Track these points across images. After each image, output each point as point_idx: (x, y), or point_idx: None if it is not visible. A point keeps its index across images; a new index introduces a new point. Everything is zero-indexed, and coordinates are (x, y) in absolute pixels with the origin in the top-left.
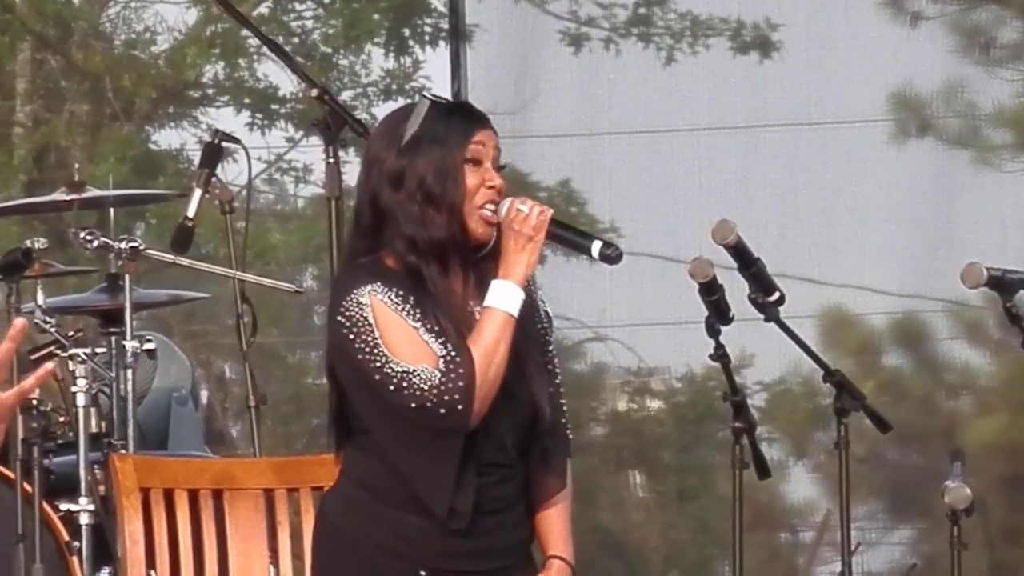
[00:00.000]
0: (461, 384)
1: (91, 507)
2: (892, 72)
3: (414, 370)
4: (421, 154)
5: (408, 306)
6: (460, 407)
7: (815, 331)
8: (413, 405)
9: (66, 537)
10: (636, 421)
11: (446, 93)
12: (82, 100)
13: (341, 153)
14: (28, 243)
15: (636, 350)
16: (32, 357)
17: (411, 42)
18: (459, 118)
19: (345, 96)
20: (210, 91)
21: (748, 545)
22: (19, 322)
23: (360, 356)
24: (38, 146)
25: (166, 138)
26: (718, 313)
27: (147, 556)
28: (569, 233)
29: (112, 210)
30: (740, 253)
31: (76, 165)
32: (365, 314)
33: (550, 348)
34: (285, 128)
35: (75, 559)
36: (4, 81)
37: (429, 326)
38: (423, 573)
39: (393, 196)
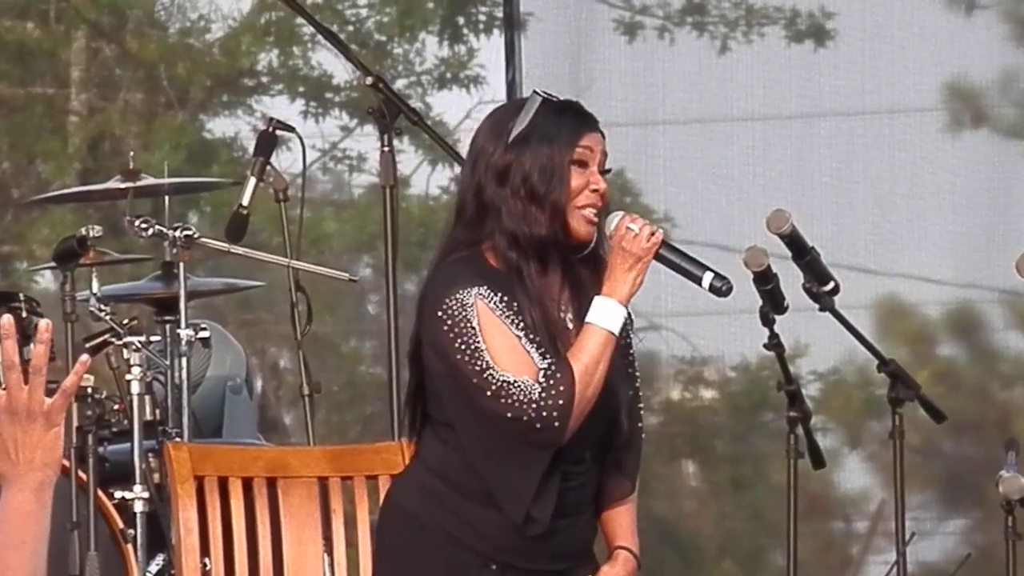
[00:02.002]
0: (561, 402)
1: (145, 495)
2: (947, 61)
3: (514, 381)
4: (528, 151)
5: (511, 313)
6: (556, 424)
7: (870, 321)
8: (509, 415)
9: (120, 525)
10: (690, 410)
11: (500, 82)
12: (136, 88)
13: (395, 142)
14: (83, 231)
15: (690, 339)
16: (87, 345)
17: (465, 30)
18: (570, 118)
19: (399, 84)
20: (264, 79)
21: (802, 534)
22: (84, 358)
23: (458, 356)
24: (92, 134)
25: (220, 126)
26: (772, 302)
27: (201, 544)
28: (679, 258)
29: (167, 198)
30: (795, 242)
31: (131, 153)
32: (468, 316)
33: (631, 351)
34: (339, 116)
35: (129, 547)
36: (59, 70)
37: (531, 336)
38: (493, 567)
39: (497, 191)
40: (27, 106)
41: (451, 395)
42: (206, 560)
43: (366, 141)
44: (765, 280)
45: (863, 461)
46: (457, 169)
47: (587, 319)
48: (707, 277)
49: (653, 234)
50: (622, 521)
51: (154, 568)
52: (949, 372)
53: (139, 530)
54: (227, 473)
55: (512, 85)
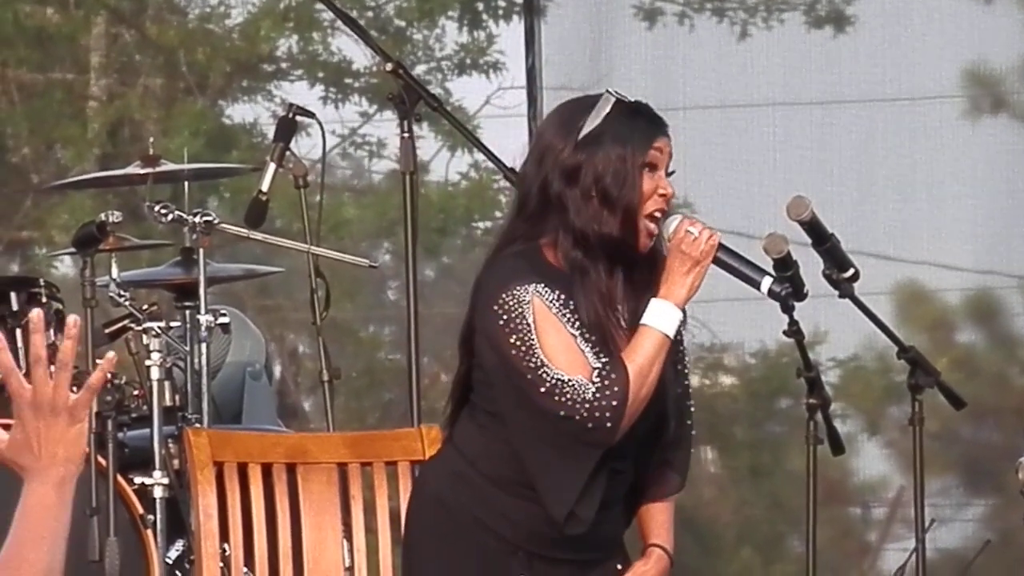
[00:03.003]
0: (614, 403)
1: (165, 481)
2: (967, 48)
3: (568, 380)
4: (601, 152)
5: (568, 311)
6: (608, 424)
7: (889, 307)
8: (562, 413)
9: (140, 510)
10: (709, 397)
11: (520, 68)
12: (156, 74)
13: (415, 128)
14: (103, 216)
15: (710, 326)
16: (107, 331)
17: (485, 16)
18: (644, 121)
19: (419, 70)
20: (284, 65)
21: (820, 521)
22: (110, 355)
23: (513, 351)
24: (112, 120)
25: (240, 112)
26: (792, 289)
27: (220, 530)
28: (737, 262)
29: (186, 184)
30: (814, 229)
31: (151, 139)
32: (524, 313)
33: (682, 348)
34: (359, 102)
35: (149, 532)
36: (79, 55)
37: (586, 335)
38: (520, 555)
39: (566, 189)
40: (47, 92)
41: (502, 388)
42: (225, 546)
43: (386, 127)
44: (785, 267)
45: (882, 448)
46: (477, 155)
47: (643, 320)
48: (766, 282)
49: (712, 237)
50: (660, 518)
51: (173, 554)
52: (969, 358)
53: (159, 516)
54: (246, 459)
55: (532, 71)
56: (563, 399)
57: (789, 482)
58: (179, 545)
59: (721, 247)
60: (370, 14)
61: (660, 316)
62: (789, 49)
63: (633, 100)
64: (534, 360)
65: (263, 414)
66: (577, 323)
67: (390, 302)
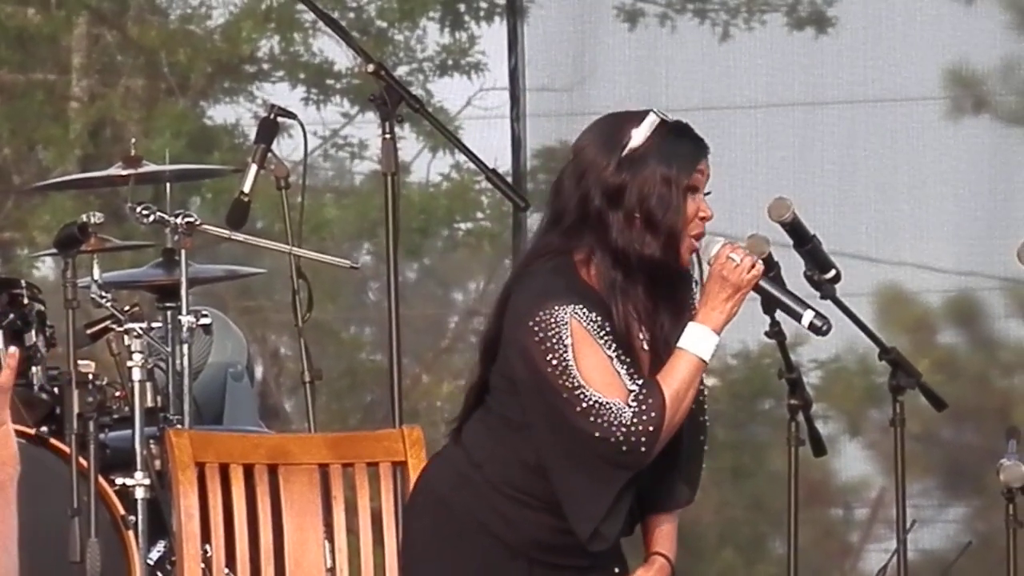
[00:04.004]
0: (651, 428)
1: (146, 481)
2: (948, 49)
3: (606, 403)
4: (646, 173)
5: (604, 333)
6: (643, 449)
7: (871, 309)
8: (597, 435)
9: (122, 511)
10: None
11: (502, 69)
12: (137, 75)
13: (397, 129)
14: (84, 217)
15: None
16: (88, 332)
17: (466, 17)
18: (689, 143)
19: (400, 71)
20: (265, 66)
21: (802, 522)
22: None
23: (548, 370)
24: (93, 121)
25: (221, 113)
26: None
27: (202, 530)
28: (779, 293)
29: (168, 185)
30: (796, 230)
31: (132, 140)
32: (562, 334)
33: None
34: (340, 103)
35: (130, 533)
36: (60, 56)
37: (622, 356)
38: (522, 561)
39: (608, 209)
40: (28, 92)
41: (532, 403)
42: (207, 547)
43: (367, 128)
44: (766, 268)
45: (863, 449)
46: (458, 155)
47: (680, 344)
48: (807, 315)
49: (754, 265)
50: (666, 528)
51: (155, 555)
52: (950, 360)
53: (140, 517)
54: (228, 460)
55: (514, 72)
56: (599, 421)
57: (771, 483)
58: (160, 546)
59: (763, 276)
60: (351, 15)
61: (697, 341)
62: (771, 50)
63: (676, 120)
64: (571, 380)
65: (245, 415)
66: (613, 345)
67: (371, 303)
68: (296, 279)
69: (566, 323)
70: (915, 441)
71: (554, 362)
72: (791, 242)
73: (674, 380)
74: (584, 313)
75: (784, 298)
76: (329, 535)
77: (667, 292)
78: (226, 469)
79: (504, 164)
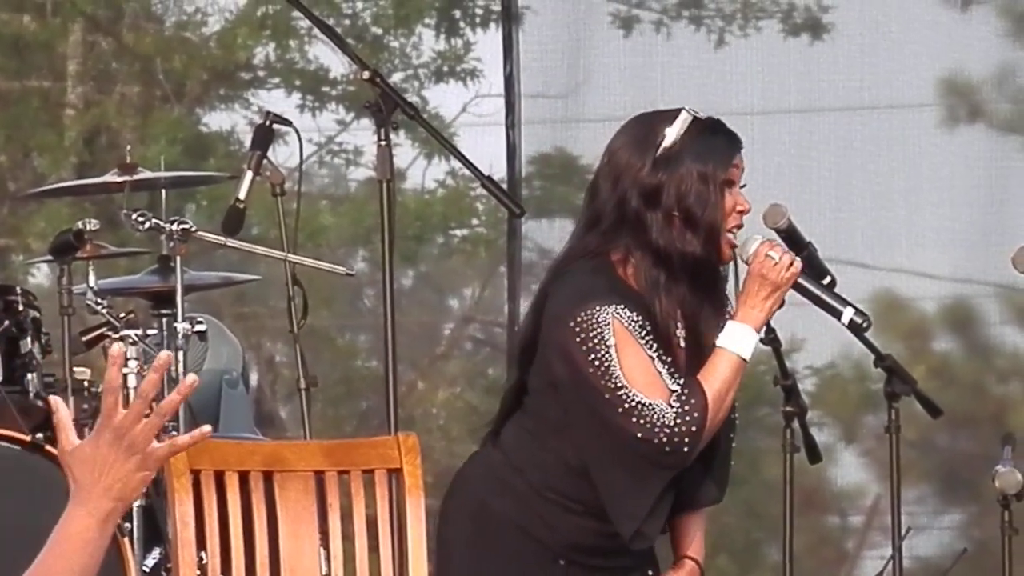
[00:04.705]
0: (694, 429)
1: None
2: (944, 56)
3: (649, 403)
4: (682, 171)
5: (646, 333)
6: (686, 449)
7: None
8: (640, 435)
9: None
10: None
11: (497, 76)
12: (133, 82)
13: (392, 136)
14: (80, 224)
15: None
16: (84, 339)
17: (462, 24)
18: (723, 139)
19: (396, 78)
20: (261, 73)
21: (797, 529)
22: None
23: (591, 370)
24: (89, 128)
25: (217, 120)
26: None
27: (197, 537)
28: (819, 290)
29: (163, 192)
30: (792, 237)
31: (128, 147)
32: (604, 334)
33: None
34: (336, 110)
35: (126, 540)
36: (55, 63)
37: (663, 356)
38: (561, 563)
39: (646, 209)
40: (23, 99)
41: (573, 403)
42: (202, 554)
43: (362, 135)
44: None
45: (859, 456)
46: (454, 162)
47: (719, 343)
48: (848, 312)
49: (793, 264)
50: (694, 531)
51: (150, 562)
52: (945, 367)
53: (135, 524)
54: (223, 467)
55: (509, 79)
56: (642, 422)
57: (766, 490)
58: (156, 553)
59: (803, 273)
60: (347, 22)
61: (738, 340)
62: (766, 57)
63: (708, 117)
64: (613, 381)
65: (240, 422)
66: (654, 344)
67: (367, 310)
68: (291, 286)
69: (608, 323)
70: (910, 448)
71: (596, 363)
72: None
73: (716, 380)
74: (626, 313)
75: (824, 295)
76: (325, 542)
77: (708, 288)
78: (221, 476)
79: (499, 171)
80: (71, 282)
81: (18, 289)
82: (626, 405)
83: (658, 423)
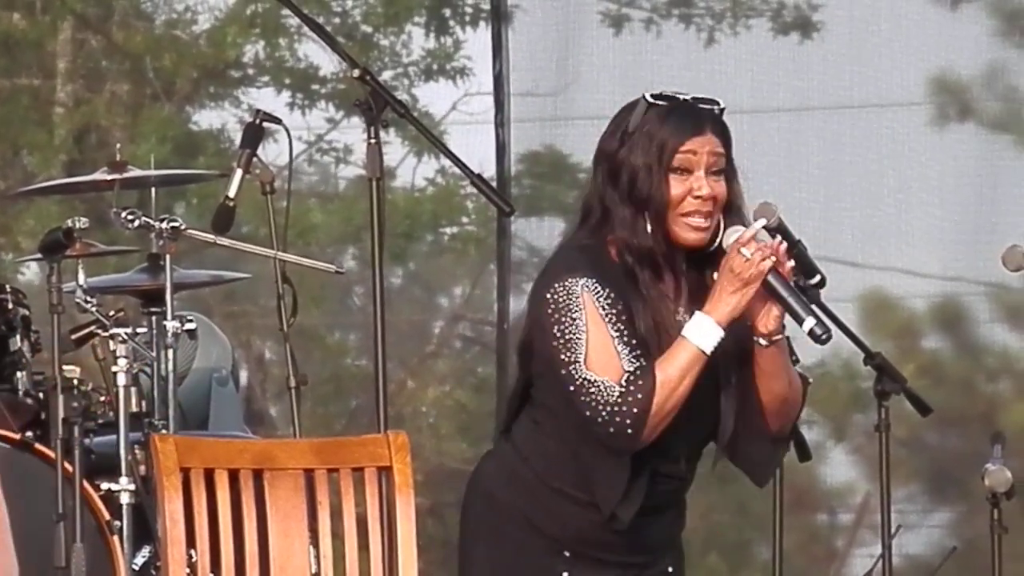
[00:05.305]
0: (635, 410)
1: (131, 487)
2: (933, 55)
3: (595, 380)
4: (632, 156)
5: (615, 311)
6: (629, 431)
7: (856, 314)
8: (587, 414)
9: (107, 516)
10: None
11: (487, 74)
12: (123, 80)
13: (382, 134)
14: (69, 223)
15: None
16: (73, 337)
17: (451, 22)
18: (674, 124)
19: (385, 76)
20: (251, 71)
21: (787, 527)
22: None
23: (555, 343)
24: (78, 126)
25: (207, 118)
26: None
27: (187, 536)
28: (786, 292)
29: (153, 190)
30: (782, 235)
31: (118, 145)
32: (571, 306)
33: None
34: (326, 109)
35: (115, 538)
36: (45, 61)
37: (627, 338)
38: (566, 554)
39: (611, 194)
40: (13, 97)
41: (552, 378)
42: (192, 552)
43: (352, 133)
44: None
45: (848, 454)
46: (444, 160)
47: (683, 332)
48: (808, 322)
49: (763, 262)
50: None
51: (140, 560)
52: (935, 365)
53: (125, 522)
54: (213, 465)
55: (499, 78)
56: (587, 399)
57: (756, 488)
58: (145, 551)
59: (773, 272)
60: (337, 20)
61: (699, 331)
62: (756, 56)
63: (670, 99)
64: (569, 355)
65: (230, 420)
66: (621, 324)
67: (356, 308)
68: (281, 284)
69: (579, 296)
70: (900, 446)
71: (559, 335)
72: None
73: (670, 366)
74: (596, 287)
75: (790, 299)
76: (314, 540)
77: (699, 268)
78: (211, 474)
79: (489, 169)
80: (61, 280)
81: (8, 287)
82: (576, 382)
83: (601, 401)
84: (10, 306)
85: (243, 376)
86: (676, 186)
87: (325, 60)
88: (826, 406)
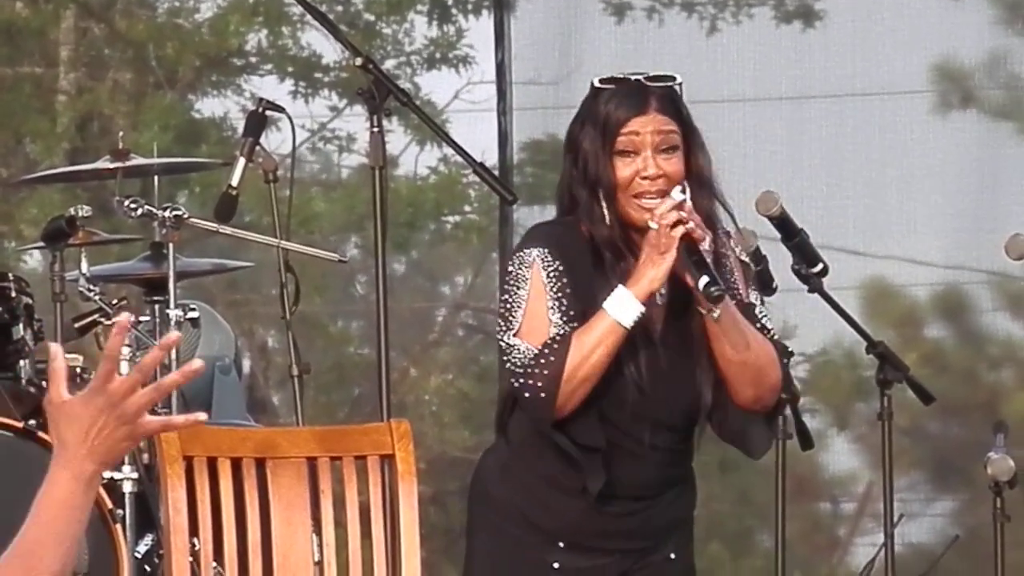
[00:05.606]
0: (546, 372)
1: (135, 475)
2: (936, 43)
3: (516, 344)
4: (585, 142)
5: (560, 283)
6: (543, 395)
7: (858, 302)
8: (510, 379)
9: (110, 505)
10: None
11: (489, 63)
12: (125, 68)
13: (385, 122)
14: (72, 211)
15: None
16: (76, 325)
17: (454, 10)
18: (614, 104)
19: (388, 65)
20: (253, 59)
21: (789, 516)
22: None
23: (500, 308)
24: (81, 114)
25: (209, 106)
26: (761, 284)
27: (190, 524)
28: (689, 260)
29: (156, 178)
30: (784, 224)
31: (120, 133)
32: (520, 275)
33: (753, 310)
34: (329, 97)
35: (118, 527)
36: (48, 49)
37: (565, 306)
38: (561, 545)
39: (574, 179)
40: (15, 85)
41: None
42: (195, 540)
43: (355, 121)
44: (754, 262)
45: (851, 443)
46: (446, 149)
47: (604, 303)
48: (702, 281)
49: (670, 232)
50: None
51: (143, 548)
52: (937, 354)
53: (128, 510)
54: (216, 453)
55: (501, 66)
56: (508, 363)
57: (758, 477)
58: (148, 539)
59: (684, 243)
60: (339, 8)
61: (618, 304)
62: (758, 44)
63: (618, 81)
64: (504, 323)
65: (232, 409)
66: (562, 295)
67: (359, 296)
68: (284, 273)
69: (529, 265)
70: (903, 435)
71: (503, 301)
72: (779, 236)
73: (586, 335)
74: (548, 257)
75: (690, 265)
76: (317, 528)
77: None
78: (214, 463)
79: (491, 158)
80: (63, 268)
81: (10, 275)
82: (502, 346)
83: (519, 364)
84: (13, 294)
85: (246, 364)
86: (623, 168)
87: (328, 48)
88: (828, 395)
